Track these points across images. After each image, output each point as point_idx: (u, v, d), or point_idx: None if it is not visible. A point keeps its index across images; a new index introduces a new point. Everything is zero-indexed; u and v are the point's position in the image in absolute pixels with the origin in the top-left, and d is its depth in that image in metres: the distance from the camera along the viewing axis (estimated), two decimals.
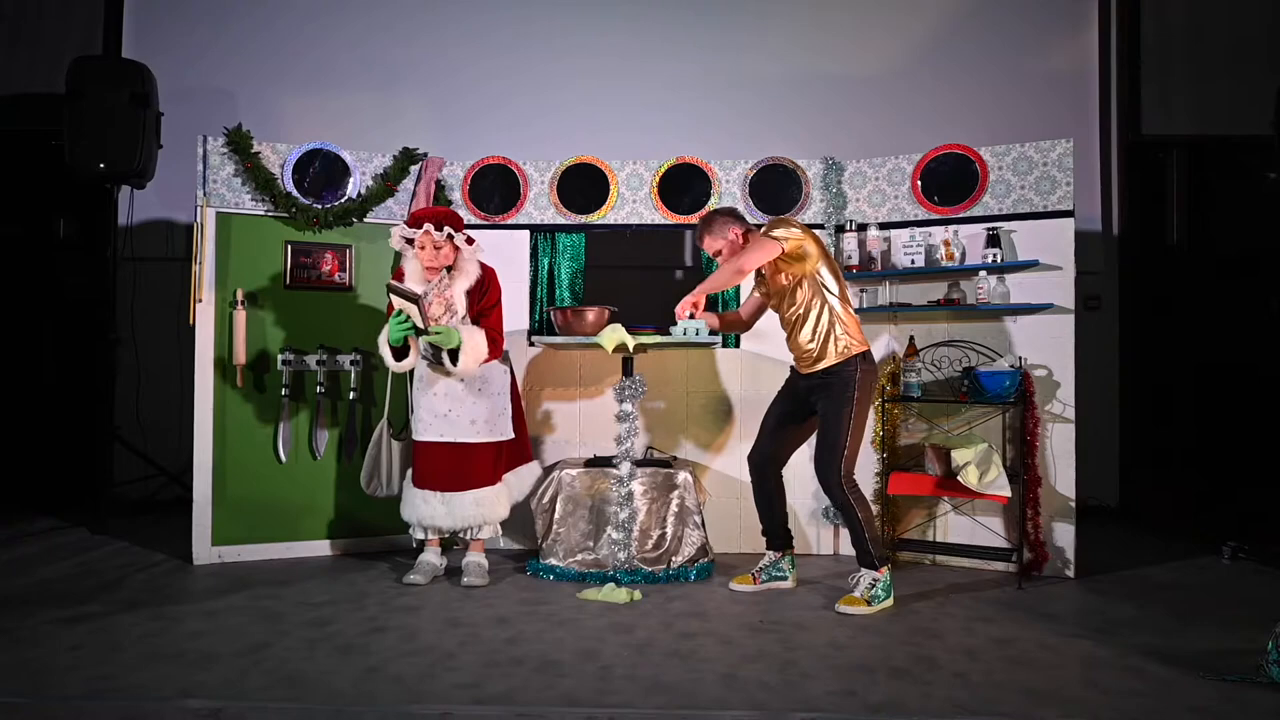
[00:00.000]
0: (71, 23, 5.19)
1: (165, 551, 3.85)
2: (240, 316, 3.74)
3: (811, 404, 3.27)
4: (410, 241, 3.38)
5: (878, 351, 3.93)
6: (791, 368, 3.39)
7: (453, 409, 3.42)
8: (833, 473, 3.14)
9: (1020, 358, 3.62)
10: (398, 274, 3.47)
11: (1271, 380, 4.54)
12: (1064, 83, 5.18)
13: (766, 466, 3.39)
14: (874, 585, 3.14)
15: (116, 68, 4.38)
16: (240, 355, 3.73)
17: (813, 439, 3.34)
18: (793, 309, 3.24)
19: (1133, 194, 5.16)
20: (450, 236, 3.34)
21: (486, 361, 3.40)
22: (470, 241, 3.41)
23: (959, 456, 3.53)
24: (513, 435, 3.56)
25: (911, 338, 3.81)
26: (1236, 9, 5.11)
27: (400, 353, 3.39)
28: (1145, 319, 5.12)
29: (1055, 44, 5.20)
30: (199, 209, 3.75)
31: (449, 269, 3.40)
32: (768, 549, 3.45)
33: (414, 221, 3.38)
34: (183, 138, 4.09)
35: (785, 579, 3.42)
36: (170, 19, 5.18)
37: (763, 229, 3.26)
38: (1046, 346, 3.66)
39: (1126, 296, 5.15)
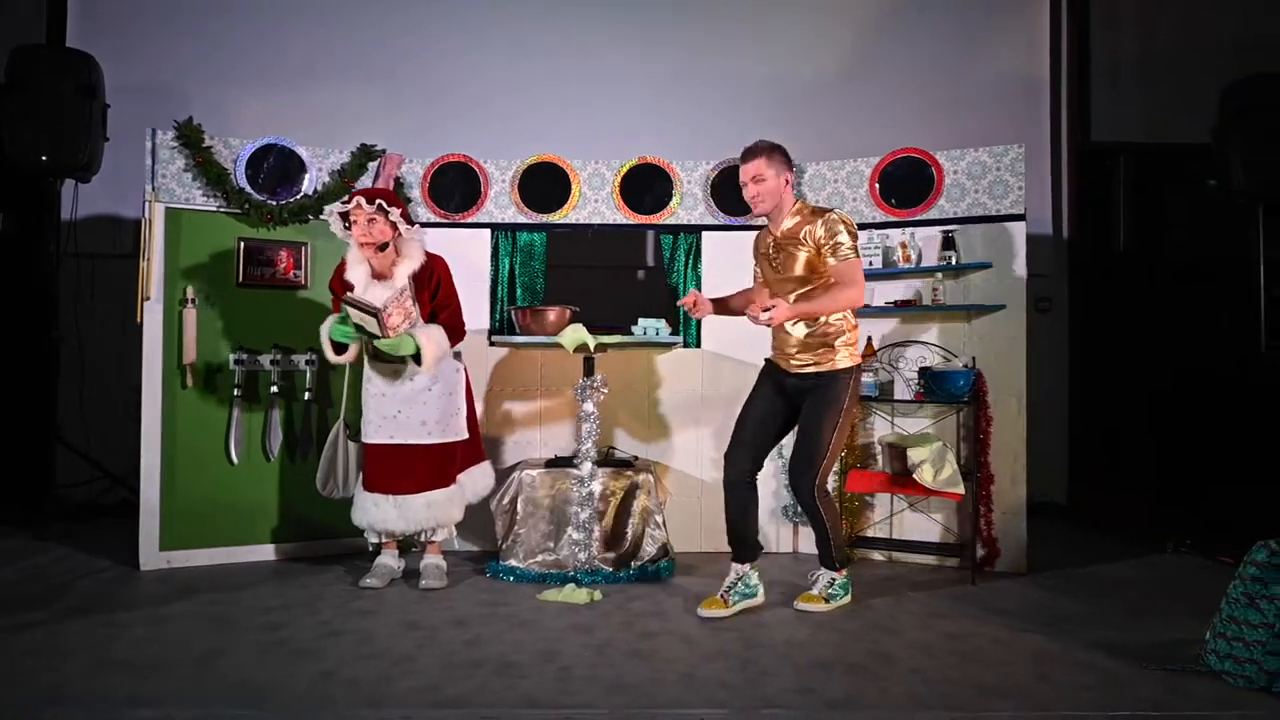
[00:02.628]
0: (12, 11, 5.02)
1: (111, 557, 3.74)
2: (190, 315, 3.65)
3: (797, 405, 3.11)
4: (347, 224, 3.31)
5: None
6: (770, 363, 3.20)
7: (402, 410, 3.36)
8: (808, 480, 3.02)
9: (973, 358, 3.69)
10: (340, 267, 3.38)
11: (1214, 381, 4.69)
12: (1017, 89, 5.30)
13: (748, 475, 3.13)
14: (832, 584, 3.16)
15: (60, 57, 4.25)
16: (190, 354, 3.64)
17: (785, 440, 3.27)
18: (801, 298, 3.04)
19: (1082, 199, 5.30)
20: (382, 209, 3.23)
21: (452, 348, 3.37)
22: (410, 223, 3.33)
23: (914, 455, 3.58)
24: (466, 435, 3.51)
25: (870, 338, 3.86)
26: (1182, 21, 5.27)
27: (340, 347, 3.33)
28: (1094, 321, 5.25)
29: (1010, 51, 5.32)
30: (147, 204, 3.65)
31: (382, 247, 3.28)
32: (736, 562, 3.16)
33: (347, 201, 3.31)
34: (130, 131, 3.98)
35: (755, 595, 3.15)
36: (118, 8, 5.03)
37: (828, 220, 2.94)
38: (1000, 347, 3.74)
39: (1076, 299, 5.29)
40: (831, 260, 2.95)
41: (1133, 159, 5.28)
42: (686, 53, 5.18)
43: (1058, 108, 5.31)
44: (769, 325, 2.85)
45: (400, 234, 3.30)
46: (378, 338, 3.22)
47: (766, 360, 3.23)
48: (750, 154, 3.01)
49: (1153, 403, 5.02)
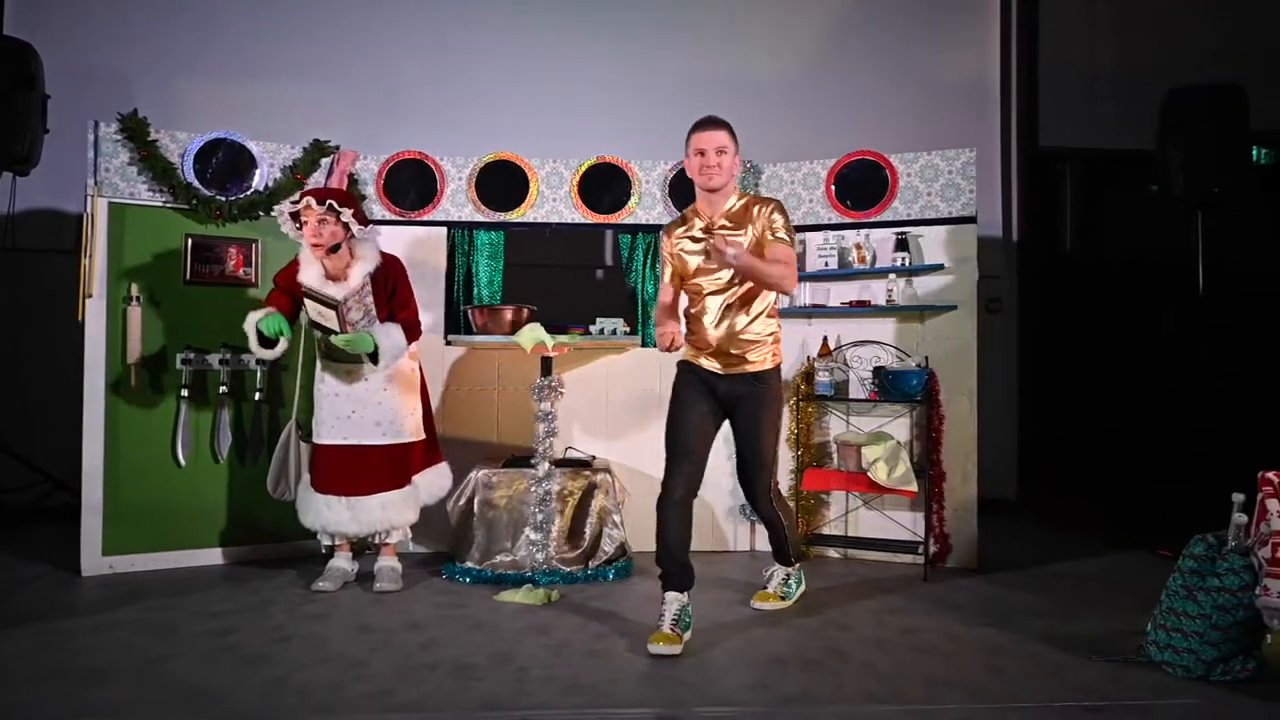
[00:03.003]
0: None
1: (51, 562, 3.62)
2: (135, 313, 3.55)
3: (729, 410, 2.87)
4: (298, 223, 3.24)
5: (794, 351, 4.02)
6: (690, 366, 2.90)
7: (356, 410, 3.31)
8: (765, 489, 2.94)
9: (926, 357, 3.76)
10: (293, 265, 3.31)
11: (1157, 381, 4.84)
12: (969, 94, 5.41)
13: (693, 495, 2.83)
14: (787, 579, 3.18)
15: None
16: (134, 354, 3.54)
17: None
18: (736, 289, 2.79)
19: (1031, 202, 5.43)
20: (333, 209, 3.17)
21: (409, 346, 3.33)
22: (363, 222, 3.27)
23: (869, 453, 3.64)
24: (423, 436, 3.47)
25: (825, 338, 3.90)
26: (1126, 30, 5.43)
27: (268, 342, 3.23)
28: (1043, 321, 5.39)
29: (962, 57, 5.43)
30: (90, 198, 3.54)
31: (334, 249, 3.22)
32: (675, 591, 2.77)
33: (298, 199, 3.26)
34: (73, 123, 3.86)
35: (692, 623, 2.80)
36: None
37: (776, 204, 2.79)
38: (952, 347, 3.81)
39: (1026, 300, 5.41)
40: (771, 238, 2.75)
41: (1079, 164, 5.43)
42: (643, 54, 5.19)
43: (1008, 113, 5.44)
44: (735, 263, 2.57)
45: (353, 235, 3.25)
46: (335, 333, 3.17)
47: (684, 364, 2.92)
48: (716, 123, 2.77)
49: (1099, 402, 5.17)
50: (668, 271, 2.96)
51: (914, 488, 3.58)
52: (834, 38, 5.35)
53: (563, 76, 5.13)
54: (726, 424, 2.94)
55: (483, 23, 5.16)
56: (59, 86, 4.20)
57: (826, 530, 3.97)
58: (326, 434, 3.33)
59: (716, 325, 2.82)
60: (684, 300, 2.98)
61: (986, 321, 4.29)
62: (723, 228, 2.78)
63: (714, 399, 2.87)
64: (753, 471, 2.93)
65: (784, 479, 3.92)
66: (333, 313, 3.11)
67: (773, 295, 2.84)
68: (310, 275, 3.24)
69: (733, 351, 2.81)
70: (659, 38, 5.20)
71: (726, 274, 2.77)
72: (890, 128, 5.06)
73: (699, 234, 2.83)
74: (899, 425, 3.87)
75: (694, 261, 2.84)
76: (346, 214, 3.20)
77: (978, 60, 5.44)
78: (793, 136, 4.99)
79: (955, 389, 3.80)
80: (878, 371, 3.78)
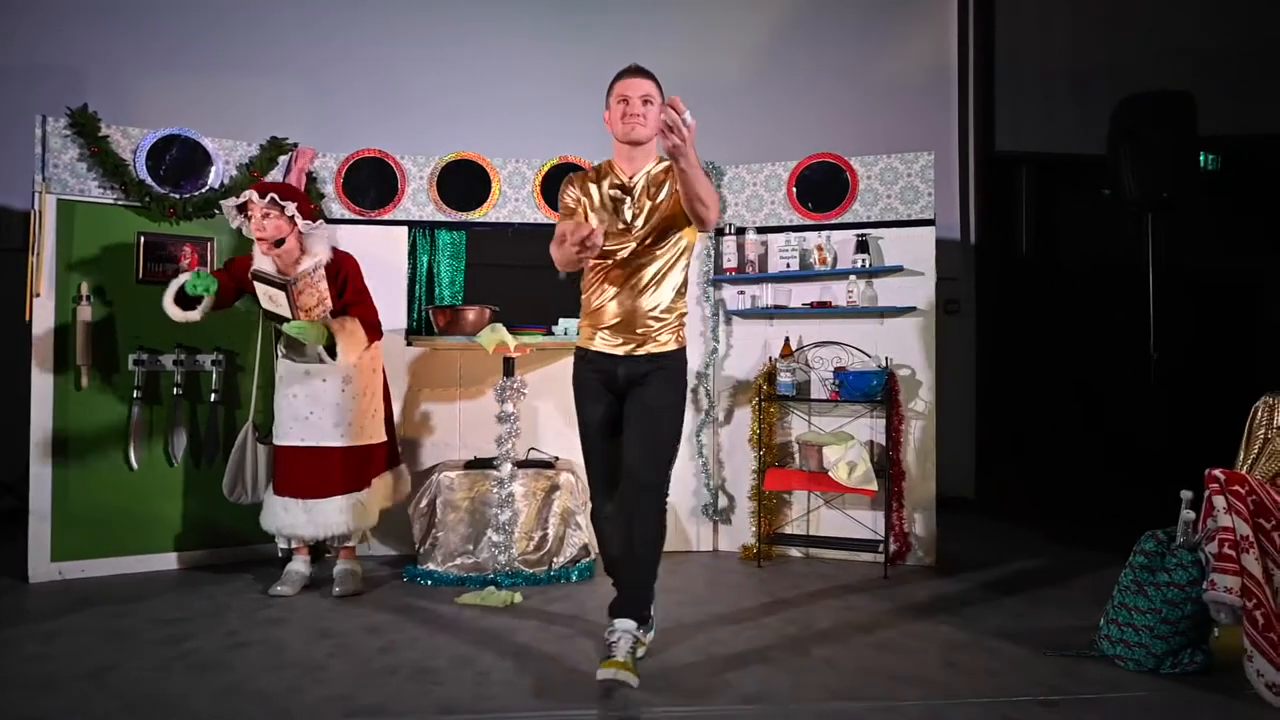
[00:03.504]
0: None
1: None
2: (84, 312, 3.46)
3: (629, 395, 2.51)
4: (246, 216, 3.19)
5: (756, 352, 4.05)
6: (587, 356, 2.55)
7: (314, 411, 3.26)
8: (659, 477, 2.49)
9: (887, 358, 3.81)
10: (247, 257, 3.27)
11: (1109, 381, 4.96)
12: (927, 98, 5.49)
13: (611, 505, 2.54)
14: (636, 643, 2.44)
15: None
16: (83, 355, 3.45)
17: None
18: (655, 263, 2.47)
19: (988, 205, 5.53)
20: (275, 203, 3.13)
21: (368, 347, 3.26)
22: (309, 217, 3.22)
23: (830, 453, 3.67)
24: (384, 439, 3.43)
25: (786, 338, 3.93)
26: (1079, 37, 5.56)
27: (188, 302, 3.19)
28: (1000, 323, 5.48)
29: (919, 60, 5.51)
30: (37, 195, 3.44)
31: (278, 243, 3.17)
32: (631, 620, 2.42)
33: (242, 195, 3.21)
34: (19, 117, 3.74)
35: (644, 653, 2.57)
36: None
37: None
38: (910, 348, 3.86)
39: (983, 302, 5.50)
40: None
41: (1034, 168, 5.54)
42: (604, 54, 5.16)
43: (965, 116, 5.53)
44: (685, 144, 2.15)
45: (299, 229, 3.20)
46: (287, 320, 3.10)
47: (581, 354, 2.58)
48: (643, 72, 2.49)
49: (1055, 401, 5.28)
50: (568, 210, 2.56)
51: (874, 487, 3.62)
52: (792, 39, 5.40)
53: (524, 76, 5.10)
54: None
55: (445, 22, 5.12)
56: (5, 81, 4.07)
57: (788, 530, 4.00)
58: (284, 435, 3.28)
59: (621, 298, 2.48)
60: (586, 272, 2.59)
61: (945, 323, 4.36)
62: (643, 190, 2.47)
63: (614, 392, 2.54)
64: (647, 457, 2.44)
65: (745, 479, 3.95)
66: (282, 295, 3.03)
67: (684, 272, 2.53)
68: (262, 264, 3.19)
69: (638, 330, 2.48)
70: (619, 38, 5.19)
71: (636, 240, 2.45)
72: (850, 129, 5.12)
73: (614, 192, 2.49)
74: (860, 425, 3.91)
75: (604, 214, 2.49)
76: (290, 207, 3.16)
77: (935, 62, 5.53)
78: (754, 138, 5.02)
79: (914, 389, 3.85)
80: (839, 372, 3.82)
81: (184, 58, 4.88)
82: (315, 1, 5.04)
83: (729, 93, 5.24)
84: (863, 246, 3.87)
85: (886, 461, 3.76)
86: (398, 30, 5.09)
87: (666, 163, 2.46)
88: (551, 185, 4.06)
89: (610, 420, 2.55)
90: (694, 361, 4.06)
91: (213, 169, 3.72)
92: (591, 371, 2.56)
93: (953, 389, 4.64)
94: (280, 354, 3.32)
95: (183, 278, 3.19)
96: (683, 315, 2.57)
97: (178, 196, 3.64)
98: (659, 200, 2.46)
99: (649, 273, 2.48)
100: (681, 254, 2.51)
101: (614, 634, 2.39)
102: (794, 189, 4.05)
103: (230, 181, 3.74)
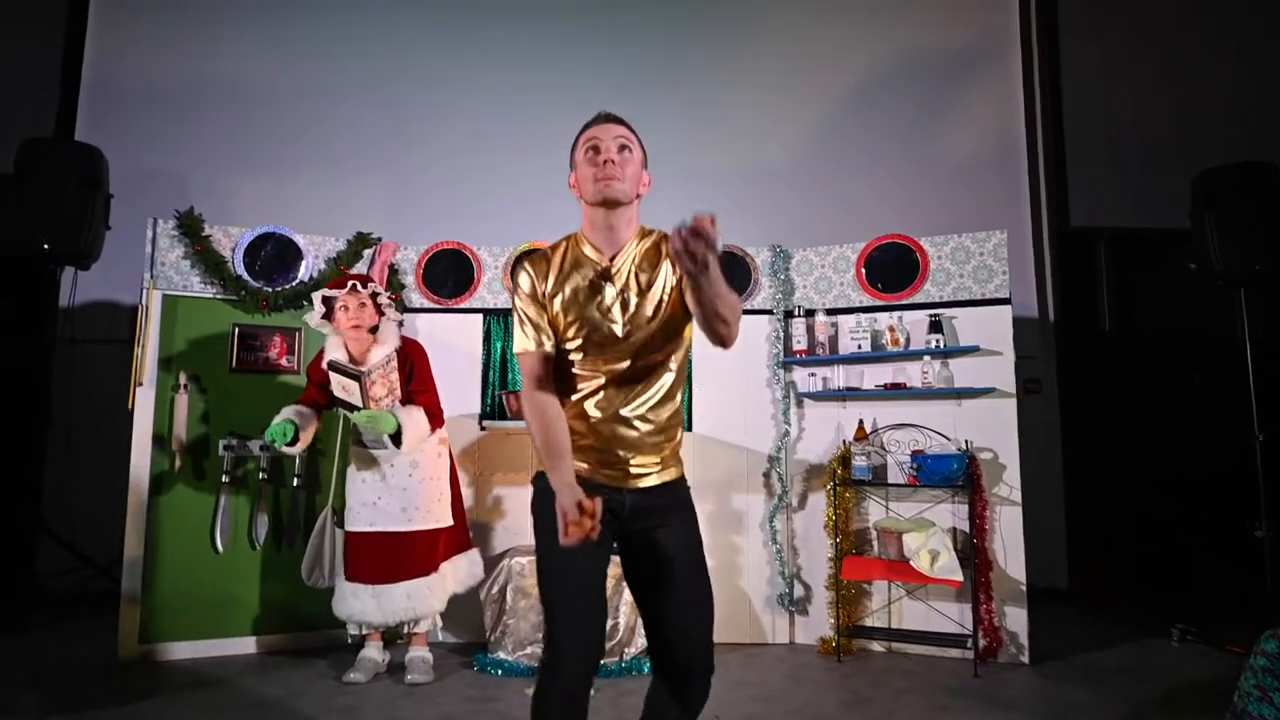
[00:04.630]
0: (25, 105, 5.17)
1: (89, 650, 3.62)
2: (182, 400, 3.65)
3: (636, 538, 1.91)
4: (329, 313, 3.32)
5: (830, 435, 3.97)
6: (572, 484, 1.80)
7: (382, 496, 3.31)
8: (710, 655, 1.91)
9: (967, 441, 3.69)
10: (319, 355, 3.39)
11: (1209, 463, 4.69)
12: (996, 175, 5.47)
13: (589, 680, 1.84)
14: None
15: (67, 149, 4.36)
16: (180, 440, 3.62)
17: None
18: (663, 372, 1.90)
19: (1065, 282, 5.40)
20: (375, 295, 3.31)
21: (430, 434, 3.33)
22: (391, 305, 3.37)
23: (910, 541, 3.54)
24: (451, 522, 3.45)
25: (860, 421, 3.86)
26: (1148, 110, 5.49)
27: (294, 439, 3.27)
28: (1084, 402, 5.28)
29: (986, 137, 5.51)
30: (145, 291, 3.69)
31: (374, 330, 3.31)
32: None
33: (332, 287, 3.36)
34: (133, 219, 4.05)
35: None
36: (125, 103, 5.20)
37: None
38: (991, 430, 3.74)
39: (1065, 380, 5.32)
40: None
41: (1111, 243, 5.41)
42: (674, 139, 5.32)
43: (1036, 193, 5.47)
44: (709, 266, 1.57)
45: (385, 317, 3.34)
46: (357, 409, 3.19)
47: (559, 484, 1.80)
48: (615, 117, 2.00)
49: (1149, 483, 5.00)
50: (530, 337, 1.89)
51: (959, 577, 3.46)
52: (853, 118, 5.46)
53: None
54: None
55: (519, 121, 5.36)
56: (121, 185, 4.43)
57: (869, 622, 3.83)
58: (354, 521, 3.33)
59: (626, 419, 1.87)
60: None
61: (1026, 403, 4.21)
62: (635, 281, 1.87)
63: (608, 531, 1.84)
64: (699, 619, 1.91)
65: (822, 567, 3.83)
66: (355, 385, 3.14)
67: (682, 392, 2.01)
68: (335, 357, 3.31)
69: (643, 456, 1.89)
70: (684, 124, 5.29)
71: (630, 356, 1.86)
72: (919, 208, 5.12)
73: (593, 279, 1.88)
74: (941, 511, 3.77)
75: (582, 318, 1.86)
76: (383, 296, 3.33)
77: (1002, 138, 5.52)
78: (820, 219, 5.07)
79: (998, 473, 3.71)
80: (916, 455, 3.71)
81: (280, 160, 5.24)
82: (398, 107, 5.36)
83: (792, 173, 5.32)
84: (936, 327, 3.81)
85: (971, 550, 3.60)
86: (477, 130, 5.36)
87: (651, 235, 1.93)
88: None
89: (596, 558, 1.86)
90: (765, 445, 4.01)
91: (303, 263, 3.93)
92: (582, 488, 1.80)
93: (1039, 472, 4.45)
94: (352, 440, 3.41)
95: (274, 423, 3.25)
96: (681, 431, 2.00)
97: (270, 290, 3.85)
98: (655, 288, 1.86)
99: (658, 385, 1.89)
100: (682, 364, 1.96)
101: None
102: (863, 270, 4.05)
103: (319, 275, 3.94)
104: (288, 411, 3.27)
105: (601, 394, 1.87)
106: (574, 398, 1.89)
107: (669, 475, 1.93)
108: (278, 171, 5.22)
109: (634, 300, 1.86)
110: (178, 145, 5.17)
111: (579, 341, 1.86)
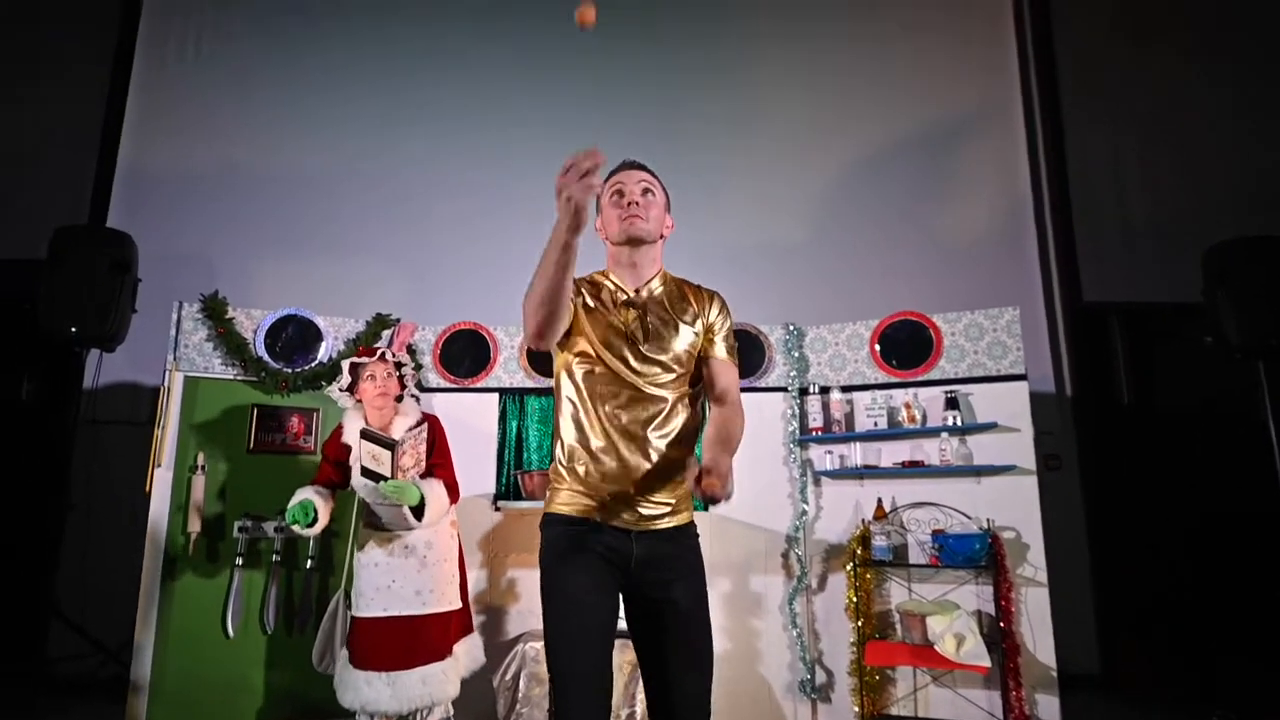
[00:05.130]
0: (61, 192, 5.37)
1: None
2: (199, 482, 3.67)
3: (646, 589, 1.87)
4: (353, 387, 3.34)
5: (848, 514, 3.92)
6: (573, 523, 1.89)
7: (396, 580, 3.25)
8: (709, 708, 1.88)
9: (988, 520, 3.63)
10: (337, 431, 3.38)
11: (1241, 537, 4.57)
12: (1007, 250, 5.50)
13: None
14: None
15: (99, 235, 4.50)
16: (195, 523, 3.63)
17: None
18: (682, 399, 1.96)
19: (1081, 357, 5.38)
20: (399, 365, 3.36)
21: (449, 508, 3.33)
22: (414, 378, 3.43)
23: (935, 624, 3.45)
24: (460, 605, 3.39)
25: (879, 499, 3.81)
26: (1155, 185, 5.56)
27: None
28: (1107, 478, 5.19)
29: (995, 214, 5.57)
30: (167, 373, 3.75)
31: (399, 399, 3.35)
32: None
33: (361, 355, 3.40)
34: (159, 301, 4.15)
35: None
36: (157, 189, 5.38)
37: (722, 300, 2.11)
38: (1013, 508, 3.68)
39: (1086, 456, 5.24)
40: (723, 354, 2.03)
41: (1125, 317, 5.40)
42: (693, 223, 5.42)
43: (1046, 267, 5.50)
44: (722, 498, 1.66)
45: (406, 390, 3.39)
46: (385, 479, 3.17)
47: (563, 521, 1.90)
48: (637, 164, 2.10)
49: (1179, 560, 4.87)
50: None
51: (987, 663, 3.35)
52: (868, 198, 5.54)
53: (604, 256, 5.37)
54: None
55: (534, 203, 5.48)
56: (149, 268, 4.55)
57: (894, 710, 3.70)
58: (365, 606, 3.25)
59: (641, 446, 1.86)
60: (566, 407, 1.97)
61: (1048, 479, 4.15)
62: (653, 308, 1.99)
63: (611, 578, 1.84)
64: (698, 682, 1.87)
65: (844, 651, 3.73)
66: (388, 455, 3.12)
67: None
68: (354, 436, 3.28)
69: (656, 494, 1.87)
70: (689, 199, 5.38)
71: (657, 370, 1.92)
72: (930, 284, 5.14)
73: (618, 301, 2.00)
74: (965, 593, 3.68)
75: (609, 348, 1.92)
76: (408, 370, 3.38)
77: (1010, 215, 5.57)
78: (831, 296, 5.10)
79: (1022, 552, 3.63)
80: (937, 535, 3.64)
81: (303, 243, 5.38)
82: (416, 194, 5.52)
83: (801, 249, 5.38)
84: (952, 403, 3.80)
85: (998, 634, 3.49)
86: (497, 212, 5.49)
87: (675, 280, 2.08)
88: None
89: (604, 601, 1.81)
90: (783, 524, 3.96)
91: (323, 344, 4.00)
92: (585, 537, 1.82)
93: (1064, 552, 4.34)
94: (365, 523, 3.37)
95: (291, 503, 3.24)
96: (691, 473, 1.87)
97: (290, 370, 3.91)
98: (677, 326, 1.97)
99: (675, 416, 1.90)
100: (701, 400, 2.02)
101: None
102: (876, 347, 4.06)
103: (338, 355, 4.00)
104: (305, 492, 3.26)
105: (622, 410, 1.89)
106: (596, 405, 1.90)
107: (679, 520, 1.92)
108: (301, 254, 5.36)
109: (654, 325, 1.96)
110: (205, 229, 5.33)
111: (600, 356, 1.93)
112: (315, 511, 3.19)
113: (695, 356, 1.98)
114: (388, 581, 3.27)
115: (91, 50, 5.59)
